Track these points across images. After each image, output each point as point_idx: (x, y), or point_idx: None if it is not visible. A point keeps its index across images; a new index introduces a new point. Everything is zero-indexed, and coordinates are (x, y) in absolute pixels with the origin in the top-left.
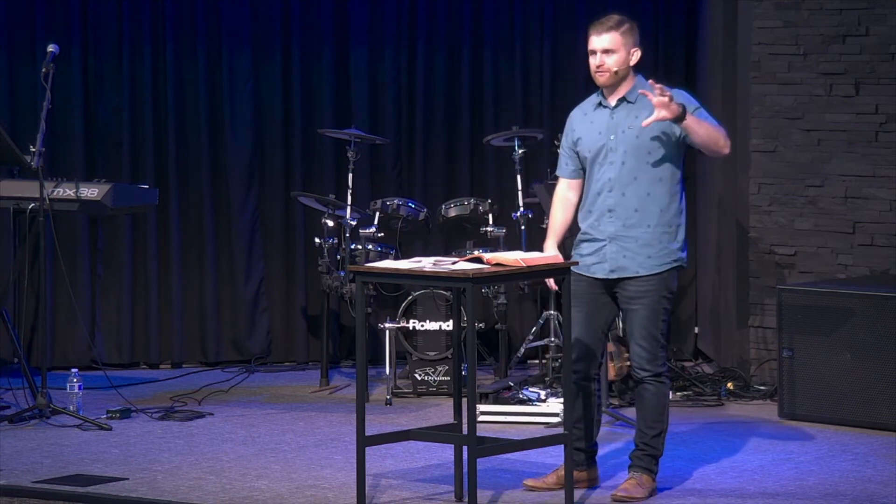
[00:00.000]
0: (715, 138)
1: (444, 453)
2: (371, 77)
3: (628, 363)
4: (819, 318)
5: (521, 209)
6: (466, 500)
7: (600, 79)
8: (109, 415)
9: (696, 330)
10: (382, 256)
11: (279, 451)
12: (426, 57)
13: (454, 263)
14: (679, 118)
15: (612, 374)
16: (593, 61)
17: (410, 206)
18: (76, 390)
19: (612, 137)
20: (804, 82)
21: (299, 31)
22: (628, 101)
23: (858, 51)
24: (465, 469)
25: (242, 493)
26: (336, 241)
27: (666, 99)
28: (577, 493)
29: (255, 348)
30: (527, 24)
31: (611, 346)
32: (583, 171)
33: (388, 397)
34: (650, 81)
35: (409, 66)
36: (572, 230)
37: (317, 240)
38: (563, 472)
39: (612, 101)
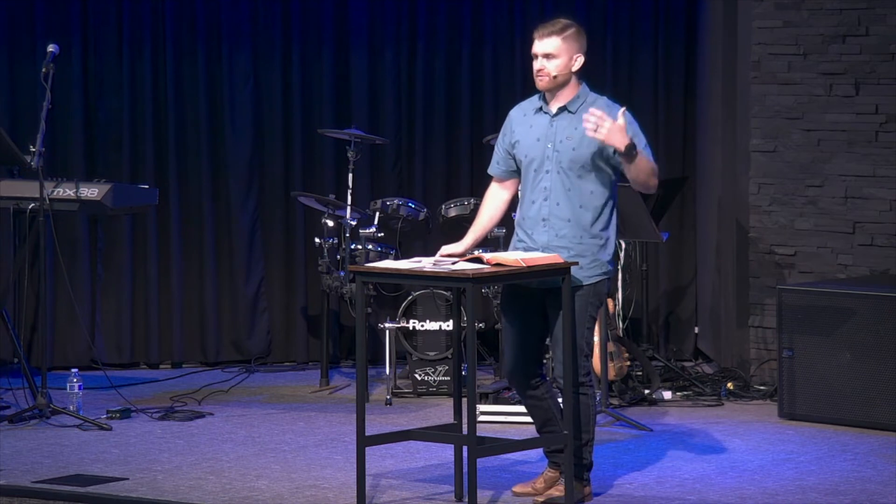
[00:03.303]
0: (645, 178)
1: (444, 453)
2: (371, 77)
3: (628, 363)
4: (819, 318)
5: None
6: (466, 500)
7: (540, 83)
8: (109, 415)
9: (696, 330)
10: (382, 256)
11: (279, 451)
12: (426, 57)
13: (454, 263)
14: (626, 153)
15: (612, 374)
16: (535, 65)
17: (410, 206)
18: (76, 390)
19: (549, 146)
20: (804, 82)
21: (299, 31)
22: (569, 111)
23: (858, 51)
24: (465, 469)
25: (242, 493)
26: (336, 241)
27: (606, 131)
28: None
29: (255, 348)
30: (527, 25)
31: (611, 346)
32: (516, 172)
33: (388, 397)
34: (591, 110)
35: (409, 66)
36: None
37: (317, 240)
38: (549, 475)
39: (553, 109)
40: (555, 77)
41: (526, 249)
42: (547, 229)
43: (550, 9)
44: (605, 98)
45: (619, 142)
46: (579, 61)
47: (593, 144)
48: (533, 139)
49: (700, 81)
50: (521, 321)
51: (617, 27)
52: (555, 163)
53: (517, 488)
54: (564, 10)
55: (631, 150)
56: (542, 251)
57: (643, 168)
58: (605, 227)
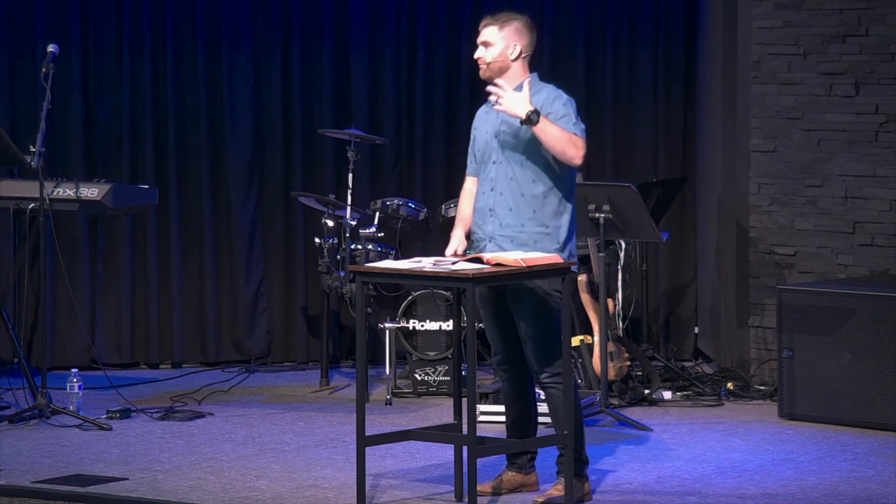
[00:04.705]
0: (560, 148)
1: (444, 453)
2: (371, 77)
3: (628, 363)
4: (819, 318)
5: None
6: (466, 500)
7: (480, 72)
8: (109, 415)
9: (696, 330)
10: (382, 256)
11: (279, 451)
12: (426, 57)
13: (454, 263)
14: (525, 120)
15: (612, 373)
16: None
17: (410, 206)
18: (76, 390)
19: (495, 137)
20: (804, 82)
21: (299, 31)
22: None
23: (858, 51)
24: (465, 469)
25: (242, 493)
26: (336, 241)
27: (506, 100)
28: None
29: (255, 348)
30: None
31: (611, 346)
32: None
33: (388, 397)
34: (496, 80)
35: (409, 66)
36: None
37: (317, 240)
38: (505, 476)
39: None
40: (489, 64)
41: (478, 241)
42: (493, 219)
43: (550, 9)
44: (551, 86)
45: (520, 110)
46: (517, 50)
47: (531, 131)
48: (483, 132)
49: (700, 81)
50: (495, 314)
51: (617, 27)
52: (499, 153)
53: (482, 487)
54: (564, 10)
55: (531, 117)
56: (489, 242)
57: (552, 135)
58: (553, 217)
